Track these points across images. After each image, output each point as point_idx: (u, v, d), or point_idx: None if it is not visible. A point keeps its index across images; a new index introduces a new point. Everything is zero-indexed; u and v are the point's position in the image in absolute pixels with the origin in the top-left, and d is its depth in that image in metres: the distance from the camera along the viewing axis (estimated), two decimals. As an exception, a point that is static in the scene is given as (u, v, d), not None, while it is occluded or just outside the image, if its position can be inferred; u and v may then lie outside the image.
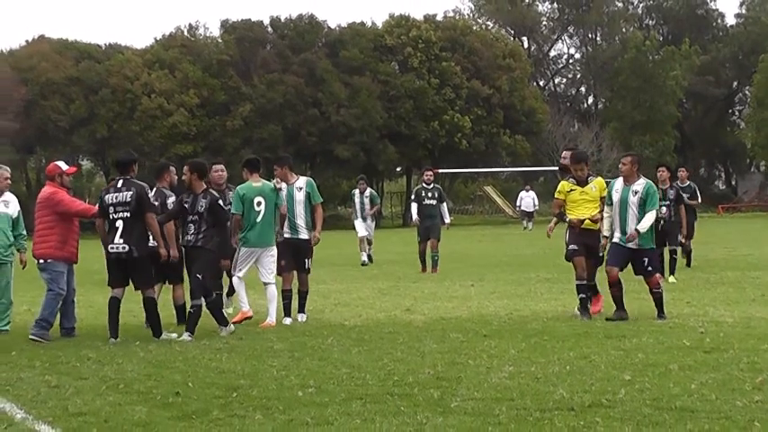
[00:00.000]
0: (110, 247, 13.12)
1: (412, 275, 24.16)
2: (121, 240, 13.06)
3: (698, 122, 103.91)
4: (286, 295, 15.13)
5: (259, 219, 14.78)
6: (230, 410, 8.56)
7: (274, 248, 14.94)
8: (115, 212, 13.16)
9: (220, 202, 13.61)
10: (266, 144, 75.00)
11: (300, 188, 15.08)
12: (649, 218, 14.24)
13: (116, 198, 13.19)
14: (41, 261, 13.82)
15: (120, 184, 13.31)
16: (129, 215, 13.09)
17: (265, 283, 15.01)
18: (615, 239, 14.44)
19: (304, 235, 15.06)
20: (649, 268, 14.37)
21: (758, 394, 8.65)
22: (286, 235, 15.00)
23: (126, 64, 77.99)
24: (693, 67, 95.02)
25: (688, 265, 23.65)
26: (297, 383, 9.73)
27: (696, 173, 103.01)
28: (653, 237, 14.53)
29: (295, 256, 15.05)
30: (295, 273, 15.21)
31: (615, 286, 14.33)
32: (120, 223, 13.09)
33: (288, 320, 14.92)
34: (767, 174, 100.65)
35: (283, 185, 15.12)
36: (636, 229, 14.17)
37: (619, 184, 14.58)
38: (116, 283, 13.40)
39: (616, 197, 14.48)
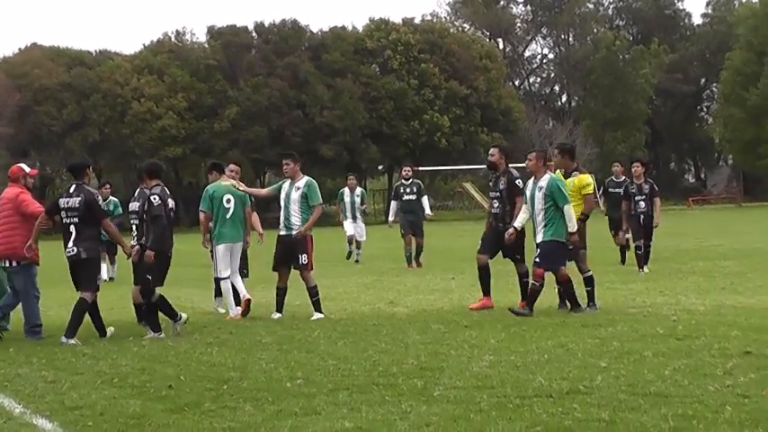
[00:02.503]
0: (66, 251, 13.24)
1: (395, 270, 24.12)
2: (72, 245, 13.09)
3: (668, 118, 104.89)
4: (279, 292, 15.06)
5: (229, 215, 15.32)
6: (221, 402, 8.60)
7: (241, 245, 15.45)
8: (67, 217, 13.16)
9: (152, 198, 13.44)
10: (253, 145, 76.05)
11: (299, 188, 15.01)
12: (569, 215, 14.00)
13: (67, 203, 13.18)
14: (14, 264, 13.80)
15: (72, 189, 13.28)
16: (77, 220, 13.08)
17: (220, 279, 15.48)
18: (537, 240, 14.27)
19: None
20: (537, 259, 14.09)
21: (729, 379, 8.70)
22: (281, 232, 14.97)
23: (116, 70, 79.00)
24: (662, 65, 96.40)
25: (622, 262, 22.87)
26: (285, 375, 9.76)
27: (666, 167, 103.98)
28: (563, 231, 14.09)
29: (289, 253, 14.92)
30: (294, 272, 15.16)
31: (565, 284, 14.28)
32: (72, 228, 13.10)
33: (277, 315, 14.96)
34: (735, 167, 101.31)
35: (287, 182, 15.19)
36: (570, 233, 14.05)
37: (530, 181, 14.38)
38: (77, 287, 13.42)
39: (528, 194, 14.34)
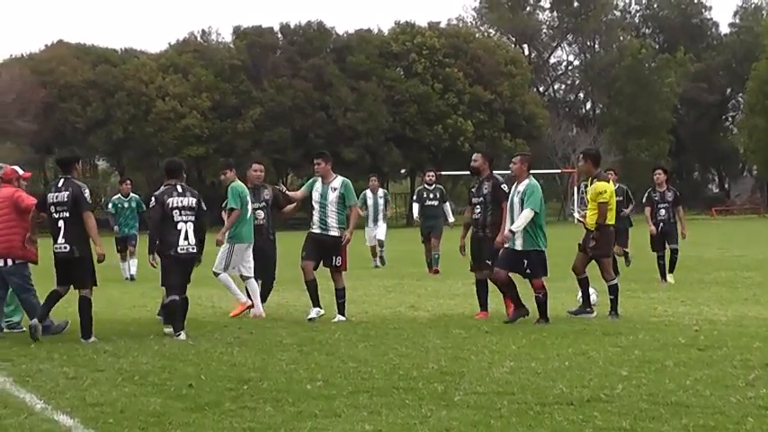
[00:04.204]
0: (55, 247, 13.01)
1: (416, 274, 24.07)
2: (63, 240, 12.92)
3: (692, 128, 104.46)
4: (309, 286, 14.85)
5: (248, 216, 15.41)
6: (241, 402, 8.62)
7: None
8: (56, 212, 12.97)
9: (152, 199, 13.50)
10: (275, 146, 76.32)
11: (335, 188, 14.87)
12: (523, 216, 13.85)
13: (56, 198, 13.00)
14: (10, 263, 13.74)
15: (60, 184, 13.10)
16: (68, 215, 12.90)
17: (246, 278, 15.48)
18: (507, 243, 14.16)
19: (334, 232, 14.75)
20: (528, 270, 13.99)
21: (751, 390, 8.67)
22: (315, 230, 14.86)
23: (141, 68, 79.49)
24: (688, 74, 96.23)
25: (627, 264, 22.53)
26: (305, 377, 9.76)
27: (690, 176, 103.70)
28: (537, 239, 14.01)
29: (321, 252, 14.80)
30: (319, 269, 15.00)
31: (504, 287, 14.19)
32: (61, 223, 12.93)
33: (316, 311, 14.80)
34: (759, 178, 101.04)
35: (318, 181, 15.08)
36: (510, 230, 13.91)
37: (513, 186, 14.32)
38: (60, 282, 13.25)
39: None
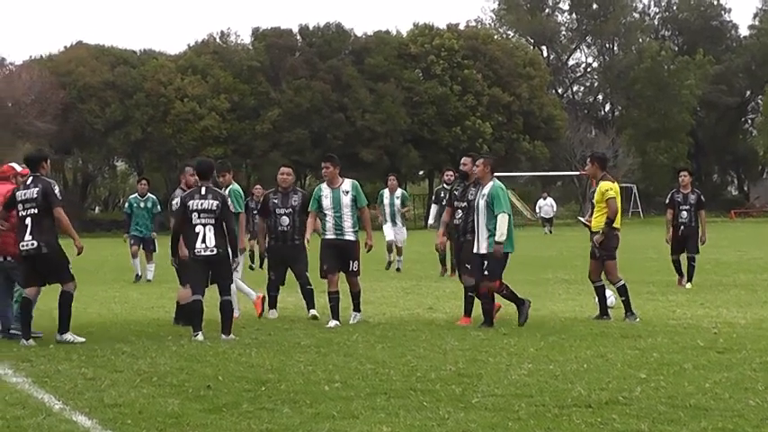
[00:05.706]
0: (21, 245, 12.89)
1: (433, 275, 24.20)
2: (30, 237, 12.80)
3: (711, 130, 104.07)
4: (332, 297, 14.68)
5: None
6: (259, 404, 8.68)
7: None
8: (24, 209, 12.90)
9: (174, 201, 13.65)
10: (294, 147, 76.29)
11: (347, 192, 14.77)
12: (501, 223, 13.76)
13: (24, 195, 12.96)
14: (9, 259, 13.64)
15: (29, 182, 13.08)
16: (36, 211, 12.82)
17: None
18: (475, 249, 14.12)
19: (350, 236, 14.72)
20: (486, 272, 13.93)
21: (770, 394, 8.67)
22: (330, 236, 14.73)
23: (160, 69, 79.43)
24: (707, 76, 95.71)
25: None
26: (323, 378, 9.83)
27: (709, 179, 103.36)
28: (508, 241, 13.91)
29: (340, 258, 14.71)
30: (343, 276, 14.86)
31: (483, 297, 14.16)
32: (28, 220, 12.83)
33: (334, 323, 14.48)
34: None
35: (324, 188, 14.94)
36: (496, 242, 13.76)
37: (477, 189, 14.38)
38: (29, 282, 13.11)
39: (473, 201, 14.33)
